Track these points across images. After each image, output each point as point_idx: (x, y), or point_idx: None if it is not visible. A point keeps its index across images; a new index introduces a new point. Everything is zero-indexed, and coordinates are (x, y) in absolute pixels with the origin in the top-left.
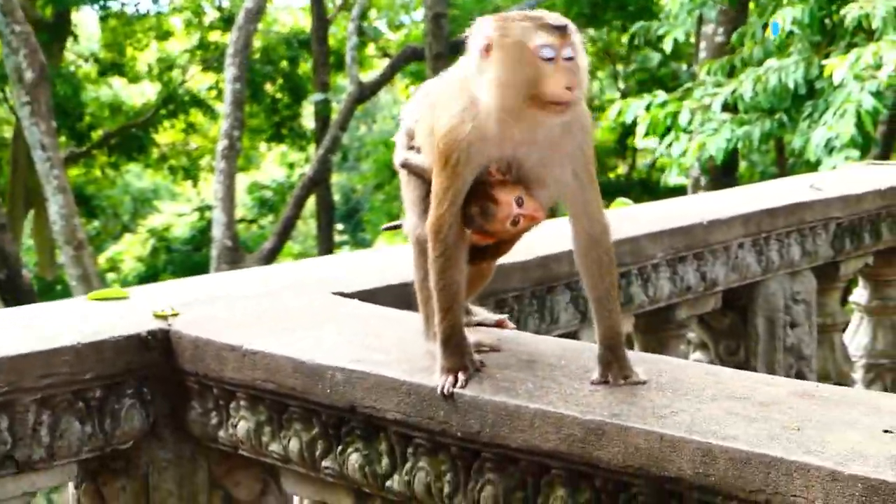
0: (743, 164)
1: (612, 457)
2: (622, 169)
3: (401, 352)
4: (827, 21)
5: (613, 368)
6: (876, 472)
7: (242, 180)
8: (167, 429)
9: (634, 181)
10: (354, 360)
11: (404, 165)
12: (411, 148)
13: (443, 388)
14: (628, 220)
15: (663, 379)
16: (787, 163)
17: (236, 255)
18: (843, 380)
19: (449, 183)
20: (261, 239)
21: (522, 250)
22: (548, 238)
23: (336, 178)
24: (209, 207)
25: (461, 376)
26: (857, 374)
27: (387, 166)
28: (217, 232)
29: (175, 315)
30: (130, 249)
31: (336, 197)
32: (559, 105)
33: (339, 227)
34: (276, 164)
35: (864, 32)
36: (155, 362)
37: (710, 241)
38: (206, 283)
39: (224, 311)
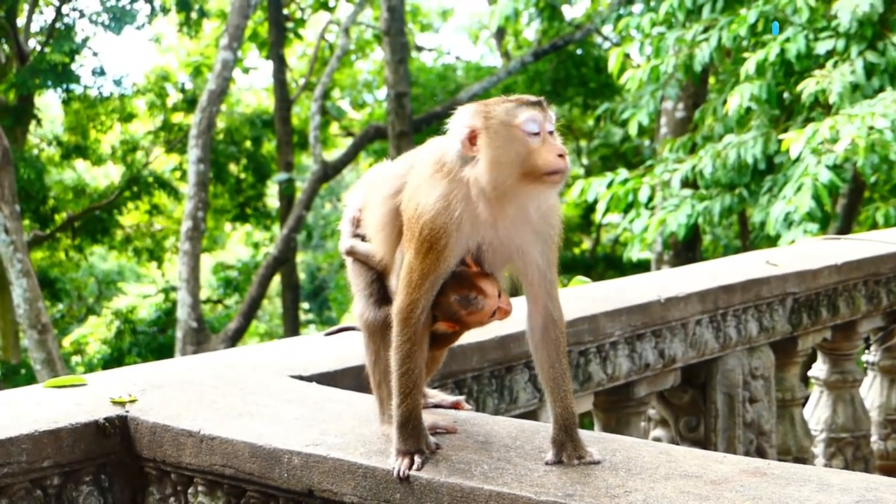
0: (707, 238)
1: None
2: (587, 244)
3: (357, 435)
4: (785, 95)
5: (568, 448)
6: None
7: (207, 261)
8: None
9: (599, 256)
10: (311, 444)
11: (350, 253)
12: (356, 236)
13: (399, 471)
14: (586, 298)
15: (617, 458)
16: (750, 236)
17: (202, 336)
18: (804, 455)
19: (430, 268)
20: (226, 319)
21: (480, 331)
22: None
23: (301, 257)
24: (174, 288)
25: (417, 459)
26: (818, 449)
27: None
28: (182, 313)
29: (132, 401)
30: (95, 332)
31: (301, 276)
32: (555, 174)
33: (305, 306)
34: (240, 244)
35: (822, 107)
36: (113, 449)
37: (667, 318)
38: (164, 369)
39: (181, 397)
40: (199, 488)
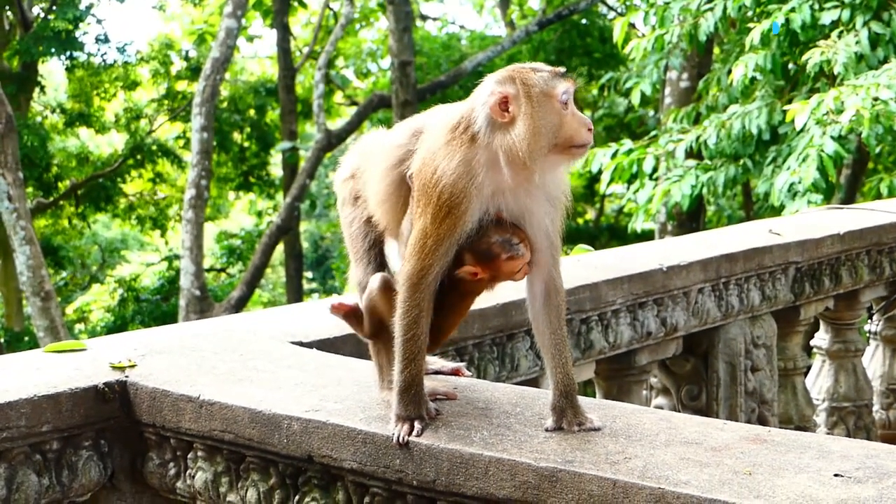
0: (711, 209)
1: (566, 503)
2: (591, 215)
3: (357, 401)
4: (790, 66)
5: (568, 415)
6: None
7: (211, 229)
8: (125, 480)
9: (603, 227)
10: (311, 410)
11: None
12: (356, 199)
13: (398, 436)
14: (588, 266)
15: (617, 425)
16: (753, 207)
17: (205, 305)
18: (806, 423)
19: (447, 233)
20: (229, 288)
21: (482, 298)
22: (506, 285)
23: (304, 226)
24: (177, 257)
25: (417, 425)
26: (820, 418)
27: None
28: (185, 281)
29: (132, 366)
30: (98, 300)
31: (305, 245)
32: (582, 147)
33: (308, 274)
34: (244, 213)
35: (826, 77)
36: (112, 414)
37: (669, 287)
38: (165, 334)
39: (181, 362)
40: (199, 453)
